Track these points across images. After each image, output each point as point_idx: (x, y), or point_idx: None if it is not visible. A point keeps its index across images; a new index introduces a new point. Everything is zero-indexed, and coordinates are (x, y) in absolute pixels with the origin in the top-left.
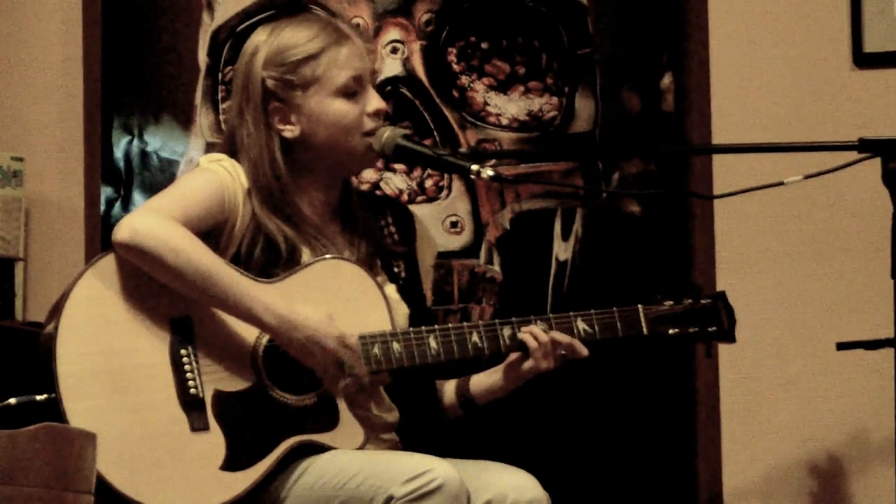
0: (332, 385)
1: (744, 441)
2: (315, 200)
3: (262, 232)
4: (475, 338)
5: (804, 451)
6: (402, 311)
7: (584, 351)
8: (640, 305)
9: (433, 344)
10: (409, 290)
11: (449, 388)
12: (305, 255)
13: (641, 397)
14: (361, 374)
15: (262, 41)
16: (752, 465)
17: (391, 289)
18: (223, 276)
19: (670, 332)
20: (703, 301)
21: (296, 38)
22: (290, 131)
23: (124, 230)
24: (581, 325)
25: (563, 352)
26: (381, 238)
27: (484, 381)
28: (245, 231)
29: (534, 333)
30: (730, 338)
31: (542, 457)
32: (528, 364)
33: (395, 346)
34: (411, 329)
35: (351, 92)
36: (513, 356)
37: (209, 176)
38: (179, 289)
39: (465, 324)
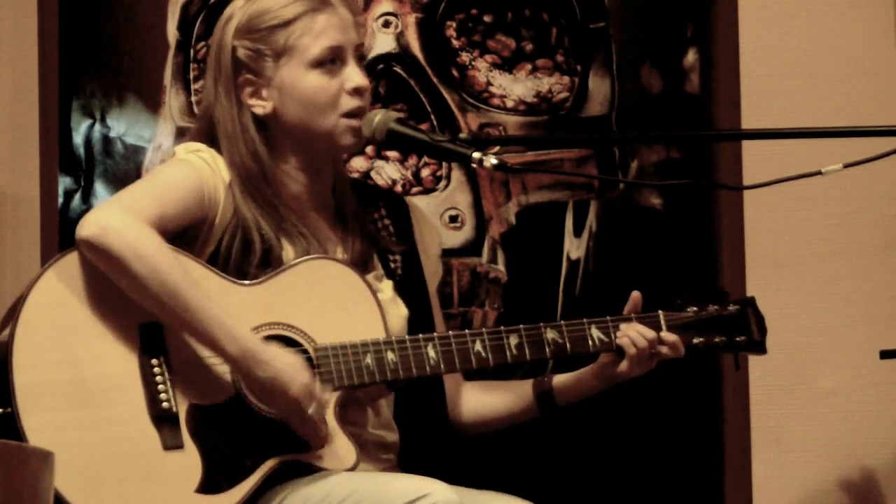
0: (301, 427)
1: (777, 461)
2: (299, 188)
3: (242, 227)
4: (478, 347)
5: (844, 473)
6: (399, 312)
7: (682, 351)
8: (661, 312)
9: (431, 353)
10: (409, 289)
11: (519, 390)
12: (286, 248)
13: (661, 416)
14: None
15: (239, 7)
16: (786, 488)
17: (387, 286)
18: (190, 295)
19: (694, 341)
20: (730, 308)
21: (273, 2)
22: (261, 107)
23: (91, 226)
24: (596, 333)
25: (664, 351)
26: (375, 234)
27: (570, 379)
28: (226, 227)
29: (632, 339)
30: (760, 348)
31: (551, 487)
32: (623, 366)
33: (390, 355)
34: (407, 337)
35: (327, 65)
36: (604, 357)
37: (187, 169)
38: (139, 300)
39: (467, 331)
